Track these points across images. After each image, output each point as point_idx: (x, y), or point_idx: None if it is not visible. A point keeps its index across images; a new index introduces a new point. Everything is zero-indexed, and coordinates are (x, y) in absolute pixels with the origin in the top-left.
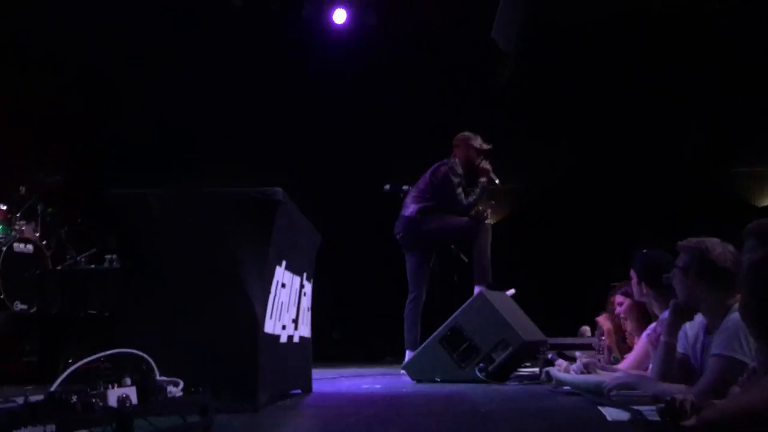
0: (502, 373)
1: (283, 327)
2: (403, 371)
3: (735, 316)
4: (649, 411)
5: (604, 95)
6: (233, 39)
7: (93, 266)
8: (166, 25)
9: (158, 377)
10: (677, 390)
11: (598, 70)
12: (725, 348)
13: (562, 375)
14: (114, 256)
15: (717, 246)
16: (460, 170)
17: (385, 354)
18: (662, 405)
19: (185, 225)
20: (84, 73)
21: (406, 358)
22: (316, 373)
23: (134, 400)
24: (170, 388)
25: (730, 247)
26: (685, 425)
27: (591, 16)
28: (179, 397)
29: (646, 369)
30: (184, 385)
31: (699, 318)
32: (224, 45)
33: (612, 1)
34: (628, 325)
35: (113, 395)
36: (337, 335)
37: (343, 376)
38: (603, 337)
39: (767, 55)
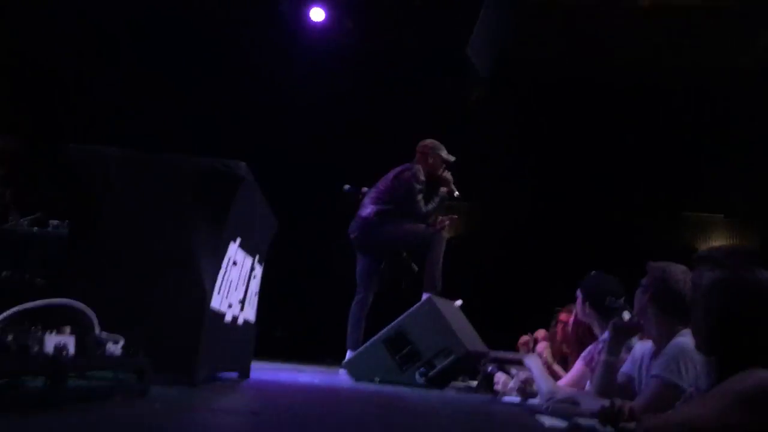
0: (441, 380)
1: (230, 306)
2: (342, 370)
3: (679, 340)
4: (586, 423)
5: (568, 130)
6: (201, 22)
7: (35, 229)
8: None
9: (98, 331)
10: None
11: (565, 106)
12: (664, 370)
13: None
14: (58, 222)
15: (678, 272)
16: (422, 177)
17: (326, 355)
18: (601, 410)
19: (143, 189)
20: (37, 32)
21: (347, 358)
22: (254, 365)
23: (72, 350)
24: (110, 345)
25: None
26: (625, 427)
27: (560, 57)
28: (118, 355)
29: (583, 388)
30: (124, 346)
31: (650, 343)
32: (190, 27)
33: (584, 49)
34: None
35: (51, 341)
36: (280, 333)
37: (281, 370)
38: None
39: (714, 109)
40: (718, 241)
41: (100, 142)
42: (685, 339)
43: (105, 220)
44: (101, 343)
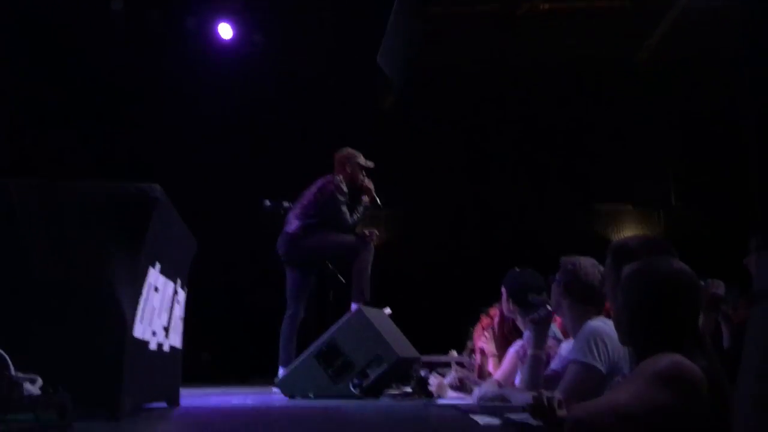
0: (376, 389)
1: (153, 333)
2: (275, 389)
3: (589, 324)
4: (519, 418)
5: (480, 131)
6: (112, 39)
7: None
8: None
9: (13, 372)
10: None
11: (478, 105)
12: (578, 353)
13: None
14: None
15: (588, 265)
16: (345, 188)
17: (256, 375)
18: (531, 403)
19: (51, 219)
20: None
21: (279, 375)
22: (183, 392)
23: None
24: (26, 386)
25: (601, 268)
26: (555, 418)
27: (472, 59)
28: (36, 395)
29: (513, 383)
30: (43, 385)
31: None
32: (101, 43)
33: (486, 52)
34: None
35: None
36: (206, 357)
37: (211, 394)
38: (474, 355)
39: (630, 101)
40: (628, 231)
41: None
42: (596, 322)
43: (11, 255)
44: (17, 384)
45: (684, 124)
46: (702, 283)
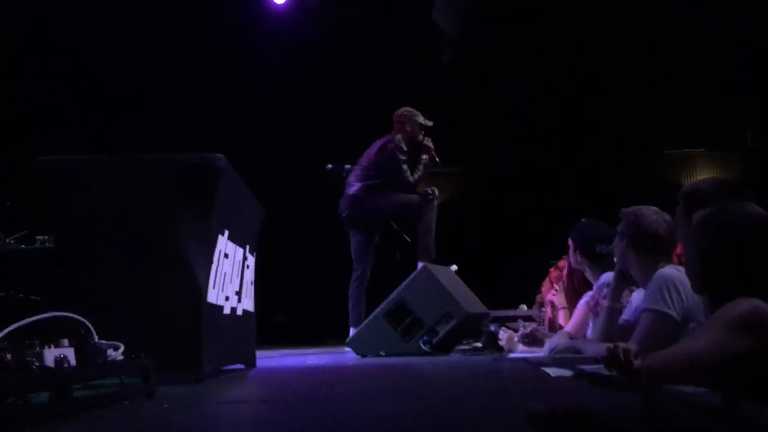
0: (446, 346)
1: (227, 298)
2: (347, 348)
3: (659, 272)
4: (591, 369)
5: (545, 82)
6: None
7: (23, 246)
8: None
9: (97, 340)
10: None
11: (538, 59)
12: (650, 302)
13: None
14: (45, 237)
15: (651, 214)
16: (405, 147)
17: (328, 336)
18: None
19: (122, 193)
20: None
21: (350, 335)
22: (259, 354)
23: (72, 361)
24: (110, 352)
25: (665, 216)
26: (630, 368)
27: (529, 6)
28: (120, 360)
29: (584, 335)
30: (125, 352)
31: None
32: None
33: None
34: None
35: (50, 355)
36: (280, 319)
37: (286, 356)
38: (543, 309)
39: (694, 48)
40: (702, 176)
41: (69, 150)
42: (665, 269)
43: (88, 229)
44: (101, 351)
45: (758, 59)
46: None
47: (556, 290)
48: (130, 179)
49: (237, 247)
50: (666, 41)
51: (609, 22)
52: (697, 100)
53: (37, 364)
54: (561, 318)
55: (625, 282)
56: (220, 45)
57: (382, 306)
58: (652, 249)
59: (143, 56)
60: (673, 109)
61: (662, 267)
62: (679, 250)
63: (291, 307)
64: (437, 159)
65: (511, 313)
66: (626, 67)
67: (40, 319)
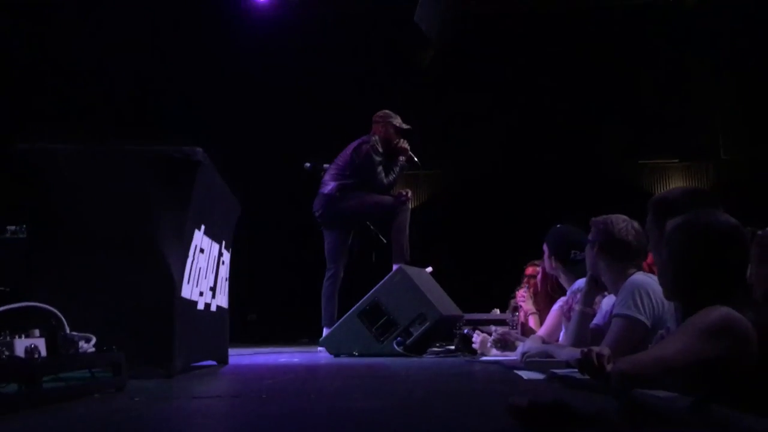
0: (419, 347)
1: (201, 294)
2: (320, 348)
3: (632, 278)
4: (564, 373)
5: (524, 86)
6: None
7: None
8: None
9: (68, 331)
10: None
11: (519, 62)
12: (622, 307)
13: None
14: (15, 227)
15: (620, 221)
16: (380, 149)
17: (300, 336)
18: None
19: (98, 183)
20: None
21: (323, 335)
22: (232, 351)
23: (43, 352)
24: (82, 344)
25: (635, 224)
26: (602, 372)
27: (512, 10)
28: (91, 352)
29: (557, 340)
30: (96, 344)
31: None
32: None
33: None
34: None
35: (21, 345)
36: (252, 317)
37: (259, 354)
38: (517, 313)
39: (671, 57)
40: (675, 185)
41: (47, 138)
42: (637, 276)
43: (63, 219)
44: (73, 343)
45: (733, 72)
46: (759, 232)
47: (524, 295)
48: (105, 170)
49: (213, 242)
50: (641, 52)
51: (585, 32)
52: (670, 111)
53: (7, 353)
54: (531, 323)
55: (597, 287)
56: (201, 41)
57: (356, 306)
58: (622, 256)
59: (124, 51)
60: (647, 120)
61: (632, 273)
62: (649, 259)
63: (263, 305)
64: (416, 159)
65: (484, 316)
66: (602, 76)
67: (12, 308)
